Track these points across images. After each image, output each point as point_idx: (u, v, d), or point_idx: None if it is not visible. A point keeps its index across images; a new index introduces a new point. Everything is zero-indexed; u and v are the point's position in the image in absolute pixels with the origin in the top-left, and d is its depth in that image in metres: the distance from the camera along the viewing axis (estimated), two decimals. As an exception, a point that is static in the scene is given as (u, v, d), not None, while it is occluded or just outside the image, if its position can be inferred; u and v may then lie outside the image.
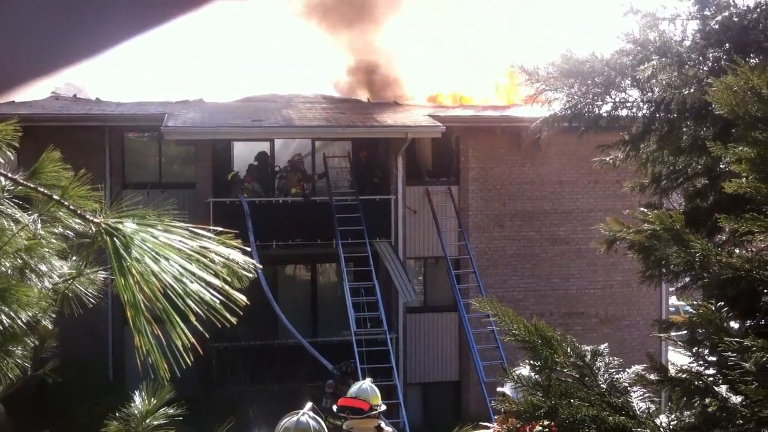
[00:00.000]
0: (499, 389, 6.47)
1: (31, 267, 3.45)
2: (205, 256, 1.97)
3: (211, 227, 2.17)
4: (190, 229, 2.02)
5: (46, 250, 3.48)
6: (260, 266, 2.28)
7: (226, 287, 1.94)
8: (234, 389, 18.87)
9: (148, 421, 4.00)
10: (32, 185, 2.45)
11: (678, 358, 4.60)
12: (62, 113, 20.36)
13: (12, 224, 3.31)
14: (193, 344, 1.91)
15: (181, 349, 1.91)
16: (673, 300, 23.31)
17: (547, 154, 21.99)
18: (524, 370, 3.76)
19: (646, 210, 6.04)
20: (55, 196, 2.35)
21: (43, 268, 3.52)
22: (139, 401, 4.05)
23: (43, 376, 4.20)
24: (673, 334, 6.27)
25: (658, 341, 20.32)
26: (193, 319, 1.90)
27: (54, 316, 3.79)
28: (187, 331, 1.91)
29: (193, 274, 1.90)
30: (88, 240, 3.44)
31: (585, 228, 21.35)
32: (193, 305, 1.87)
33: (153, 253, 1.89)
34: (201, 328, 1.96)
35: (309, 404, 6.01)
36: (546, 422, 3.49)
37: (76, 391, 17.12)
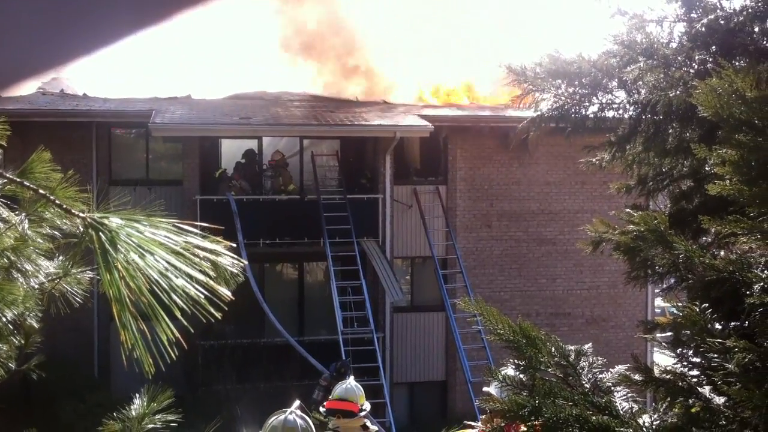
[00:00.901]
0: (484, 389, 6.49)
1: (17, 266, 3.44)
2: (191, 252, 1.98)
3: (199, 224, 2.18)
4: (176, 224, 2.03)
5: (33, 249, 3.48)
6: (246, 262, 2.29)
7: (211, 283, 1.95)
8: (220, 388, 18.85)
9: (144, 423, 4.01)
10: (19, 180, 2.45)
11: (663, 359, 4.64)
12: (49, 109, 20.28)
13: (-1, 224, 3.32)
14: (179, 339, 1.93)
15: (166, 344, 1.92)
16: (659, 301, 23.42)
17: (534, 154, 22.05)
18: (510, 370, 3.78)
19: (631, 211, 6.08)
20: (41, 191, 2.35)
21: (30, 267, 3.51)
22: (137, 404, 4.06)
23: (28, 371, 4.20)
24: (658, 335, 6.30)
25: (643, 342, 20.42)
26: (178, 314, 1.91)
27: (40, 315, 3.78)
28: (172, 326, 1.92)
29: (179, 269, 1.91)
30: (75, 240, 3.44)
31: (572, 229, 21.42)
32: (178, 300, 1.88)
33: (138, 248, 1.90)
34: (185, 323, 1.97)
35: (297, 402, 6.00)
36: (531, 422, 3.51)
37: (61, 388, 17.07)
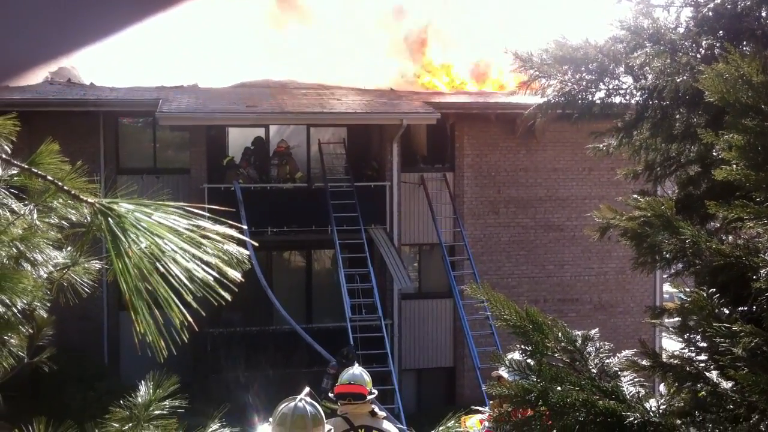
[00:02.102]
0: (494, 373, 6.51)
1: (26, 256, 3.46)
2: (200, 236, 1.99)
3: (207, 206, 2.20)
4: (185, 209, 2.05)
5: (42, 239, 3.49)
6: (255, 243, 2.31)
7: (221, 265, 1.97)
8: (229, 375, 18.93)
9: (150, 409, 4.03)
10: (28, 167, 2.47)
11: (672, 345, 4.65)
12: (56, 98, 20.29)
13: (8, 214, 3.33)
14: (190, 323, 1.95)
15: (178, 327, 1.94)
16: (667, 287, 23.39)
17: (541, 141, 22.01)
18: (516, 354, 3.79)
19: (638, 197, 6.07)
20: (49, 177, 2.37)
21: (38, 257, 3.53)
22: (143, 391, 4.08)
23: (39, 364, 4.22)
24: (666, 320, 6.31)
25: (651, 328, 20.41)
26: (189, 298, 1.92)
27: (48, 305, 3.80)
28: (183, 309, 1.94)
29: (189, 253, 1.93)
30: (82, 230, 3.46)
31: (579, 215, 21.42)
32: (188, 284, 1.90)
33: (148, 232, 1.92)
34: (196, 305, 1.99)
35: (306, 389, 6.00)
36: (539, 407, 3.52)
37: (70, 375, 17.16)
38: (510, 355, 3.86)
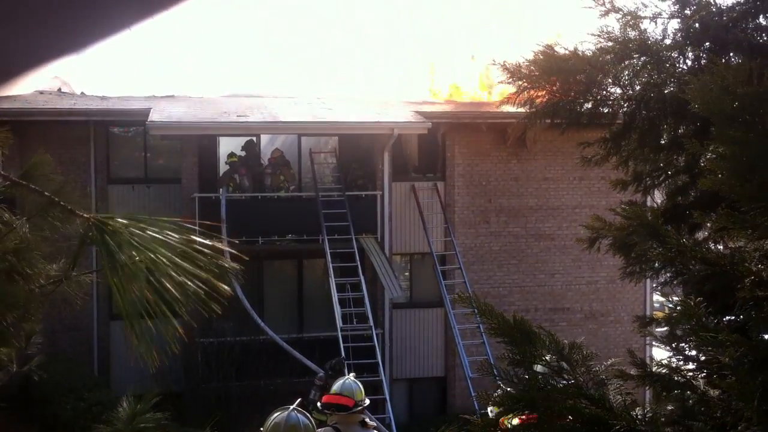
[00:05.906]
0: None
1: (19, 269, 3.47)
2: (193, 250, 2.02)
3: (197, 223, 2.23)
4: (177, 224, 2.07)
5: (34, 252, 3.50)
6: (245, 258, 2.34)
7: (212, 280, 2.00)
8: (219, 385, 18.87)
9: (135, 422, 4.03)
10: (25, 183, 2.50)
11: (662, 354, 4.68)
12: (47, 108, 20.25)
13: (0, 227, 3.34)
14: (181, 335, 1.98)
15: (169, 339, 1.97)
16: (658, 296, 23.44)
17: (532, 150, 22.07)
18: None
19: (625, 206, 6.12)
20: (46, 192, 2.39)
21: (31, 270, 3.54)
22: (125, 405, 4.07)
23: (29, 373, 4.22)
24: (657, 330, 6.34)
25: (642, 337, 20.45)
26: (182, 310, 1.95)
27: (40, 317, 3.81)
28: (175, 323, 1.97)
29: (181, 267, 1.96)
30: (74, 243, 3.47)
31: (570, 224, 21.47)
32: (180, 296, 1.93)
33: (142, 247, 1.95)
34: (187, 317, 2.01)
35: (298, 400, 6.03)
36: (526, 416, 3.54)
37: (60, 386, 17.07)
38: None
